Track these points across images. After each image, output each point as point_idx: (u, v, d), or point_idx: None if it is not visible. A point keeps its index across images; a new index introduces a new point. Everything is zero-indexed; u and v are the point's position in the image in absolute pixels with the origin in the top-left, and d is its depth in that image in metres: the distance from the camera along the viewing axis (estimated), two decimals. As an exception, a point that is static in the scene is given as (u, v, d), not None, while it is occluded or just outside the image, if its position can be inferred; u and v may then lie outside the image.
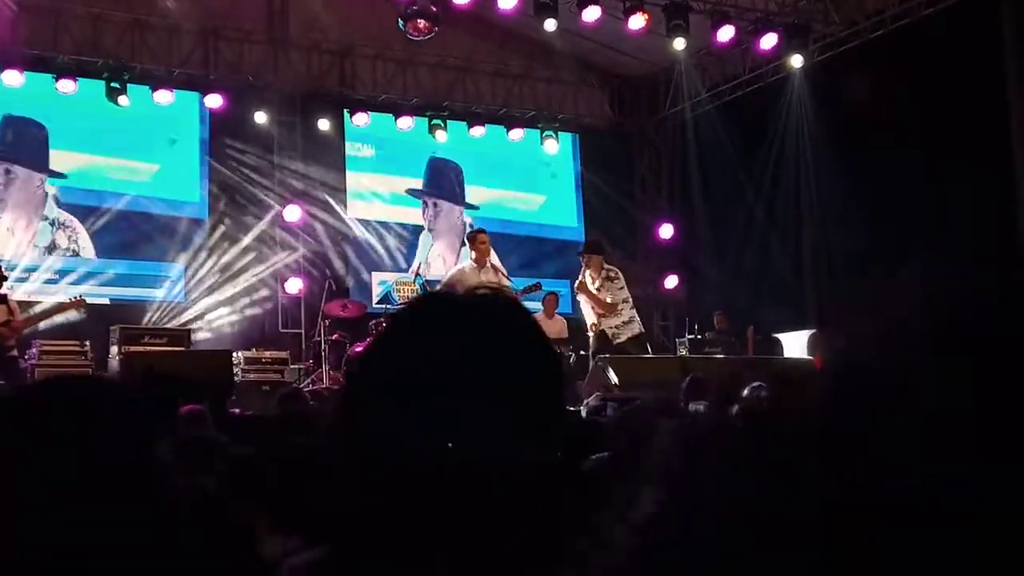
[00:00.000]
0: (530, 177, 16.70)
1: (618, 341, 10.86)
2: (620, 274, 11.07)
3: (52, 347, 11.38)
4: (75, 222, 13.74)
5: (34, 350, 11.14)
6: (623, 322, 10.98)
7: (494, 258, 11.68)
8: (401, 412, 1.09)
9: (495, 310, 1.22)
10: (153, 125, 14.14)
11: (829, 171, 13.71)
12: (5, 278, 11.17)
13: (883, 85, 12.08)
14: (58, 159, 13.73)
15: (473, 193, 16.22)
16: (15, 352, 10.59)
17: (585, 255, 11.18)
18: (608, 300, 10.85)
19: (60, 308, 11.88)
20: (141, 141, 14.12)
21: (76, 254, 13.67)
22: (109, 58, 13.58)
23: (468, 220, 15.80)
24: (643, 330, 11.33)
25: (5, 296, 10.89)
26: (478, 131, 15.80)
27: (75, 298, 12.01)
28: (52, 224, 13.66)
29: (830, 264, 13.72)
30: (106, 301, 13.31)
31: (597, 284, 10.90)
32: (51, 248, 13.57)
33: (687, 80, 15.61)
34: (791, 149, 14.45)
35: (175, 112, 14.16)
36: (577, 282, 11.14)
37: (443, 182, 16.15)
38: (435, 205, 16.08)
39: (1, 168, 13.46)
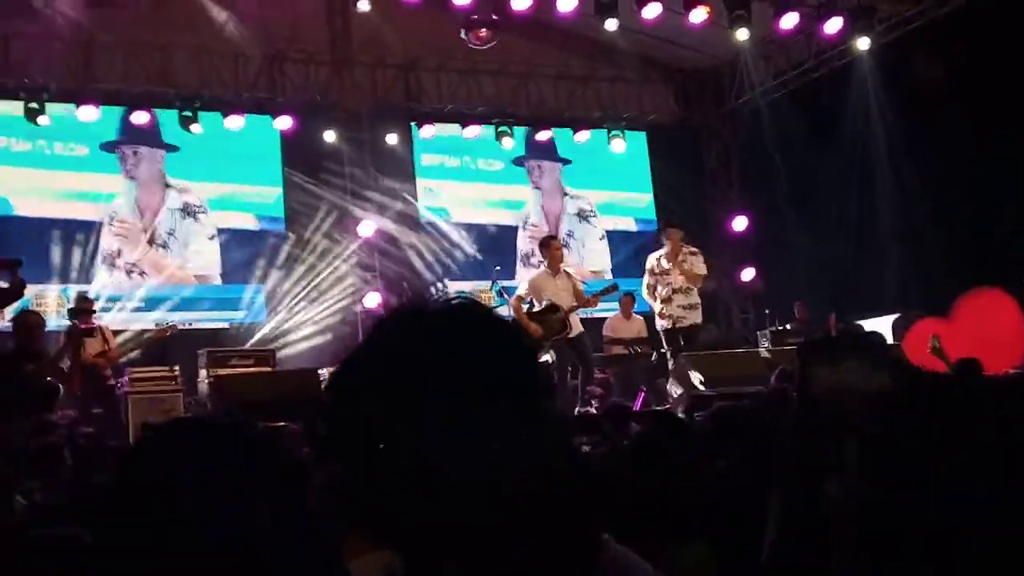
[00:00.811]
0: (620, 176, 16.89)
1: (680, 326, 10.78)
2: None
3: (143, 374, 11.61)
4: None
5: (125, 377, 11.36)
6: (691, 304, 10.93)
7: (568, 264, 11.68)
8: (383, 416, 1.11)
9: (464, 314, 1.23)
10: (238, 150, 14.53)
11: (902, 153, 13.51)
12: (94, 311, 11.47)
13: (952, 63, 11.88)
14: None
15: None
16: (112, 381, 10.85)
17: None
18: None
19: (154, 338, 12.21)
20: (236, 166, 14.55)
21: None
22: (179, 88, 13.85)
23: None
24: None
25: (99, 328, 11.18)
26: (544, 135, 15.93)
27: (168, 324, 12.33)
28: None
29: (910, 247, 13.51)
30: (190, 325, 13.57)
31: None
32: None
33: (752, 70, 15.48)
34: (862, 132, 14.24)
35: (254, 137, 14.49)
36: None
37: (540, 146, 16.48)
38: (539, 167, 16.54)
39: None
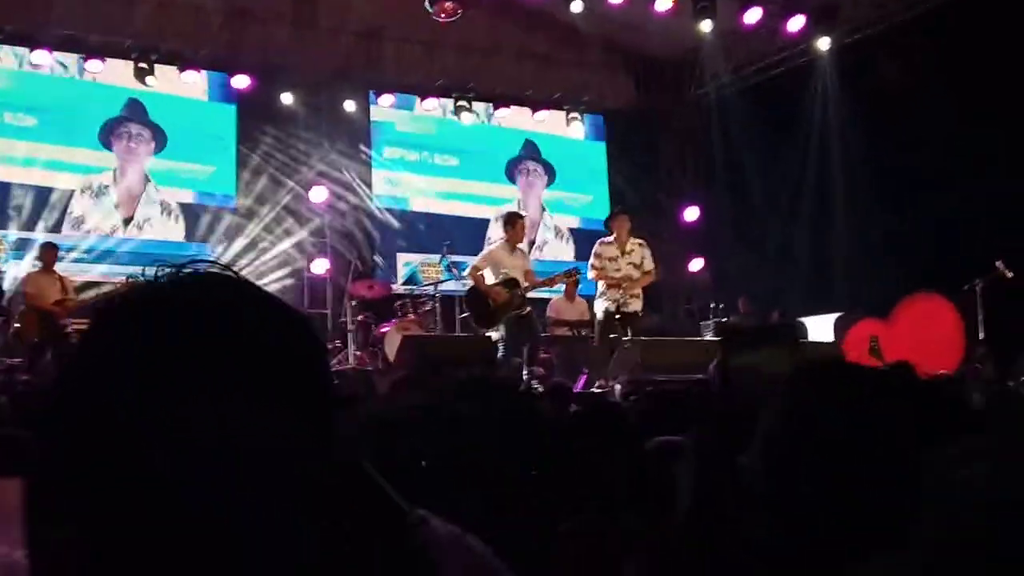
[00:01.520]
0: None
1: (624, 311, 10.78)
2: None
3: (84, 325, 11.48)
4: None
5: (69, 329, 11.21)
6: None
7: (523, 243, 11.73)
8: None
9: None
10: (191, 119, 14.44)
11: (856, 153, 13.68)
12: (60, 258, 11.36)
13: (911, 68, 12.03)
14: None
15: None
16: (69, 329, 10.74)
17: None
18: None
19: (114, 291, 12.06)
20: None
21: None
22: (138, 39, 13.65)
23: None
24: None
25: (58, 276, 11.08)
26: (503, 112, 15.93)
27: (128, 279, 12.16)
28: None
29: (859, 248, 13.69)
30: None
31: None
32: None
33: (713, 62, 15.56)
34: (818, 131, 14.40)
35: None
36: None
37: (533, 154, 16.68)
38: (528, 173, 16.69)
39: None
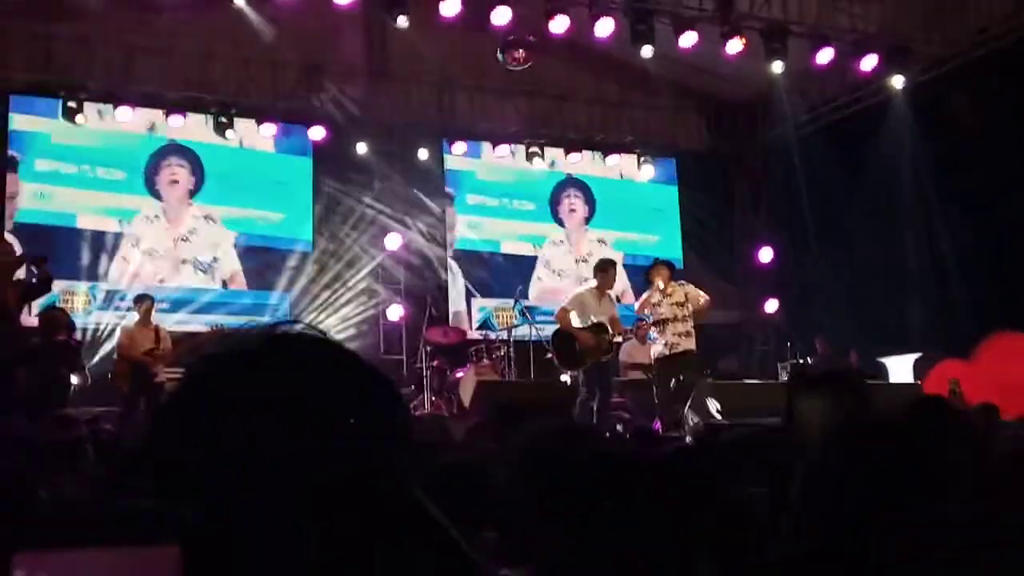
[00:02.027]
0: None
1: (675, 352, 10.75)
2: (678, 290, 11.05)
3: (173, 375, 11.72)
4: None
5: (161, 379, 11.42)
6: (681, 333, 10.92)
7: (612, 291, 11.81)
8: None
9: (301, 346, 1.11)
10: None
11: (933, 192, 13.49)
12: (152, 307, 11.67)
13: (988, 105, 11.87)
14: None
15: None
16: (160, 378, 10.97)
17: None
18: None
19: (202, 339, 12.39)
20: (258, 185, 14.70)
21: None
22: (216, 94, 14.01)
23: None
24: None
25: (154, 326, 11.36)
26: (575, 157, 16.00)
27: (216, 327, 12.55)
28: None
29: (936, 288, 13.46)
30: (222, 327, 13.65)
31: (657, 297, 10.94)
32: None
33: (786, 103, 15.47)
34: (893, 170, 14.20)
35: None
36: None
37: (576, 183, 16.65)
38: (572, 199, 16.62)
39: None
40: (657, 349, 10.94)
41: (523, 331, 13.07)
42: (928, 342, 13.08)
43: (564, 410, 9.98)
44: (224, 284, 14.31)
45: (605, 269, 11.14)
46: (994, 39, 13.03)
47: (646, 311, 11.03)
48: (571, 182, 16.44)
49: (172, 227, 14.13)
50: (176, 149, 14.24)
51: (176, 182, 14.23)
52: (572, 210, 16.41)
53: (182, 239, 14.14)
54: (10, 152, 13.37)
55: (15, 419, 8.37)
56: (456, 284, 15.44)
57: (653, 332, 11.04)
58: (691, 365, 10.84)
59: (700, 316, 10.98)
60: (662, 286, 10.85)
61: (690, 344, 10.83)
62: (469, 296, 15.39)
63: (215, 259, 14.30)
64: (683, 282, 11.16)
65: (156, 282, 13.68)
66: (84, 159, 13.75)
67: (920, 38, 13.86)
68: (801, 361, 13.73)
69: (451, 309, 15.21)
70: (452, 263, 15.48)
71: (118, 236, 13.77)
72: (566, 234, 16.32)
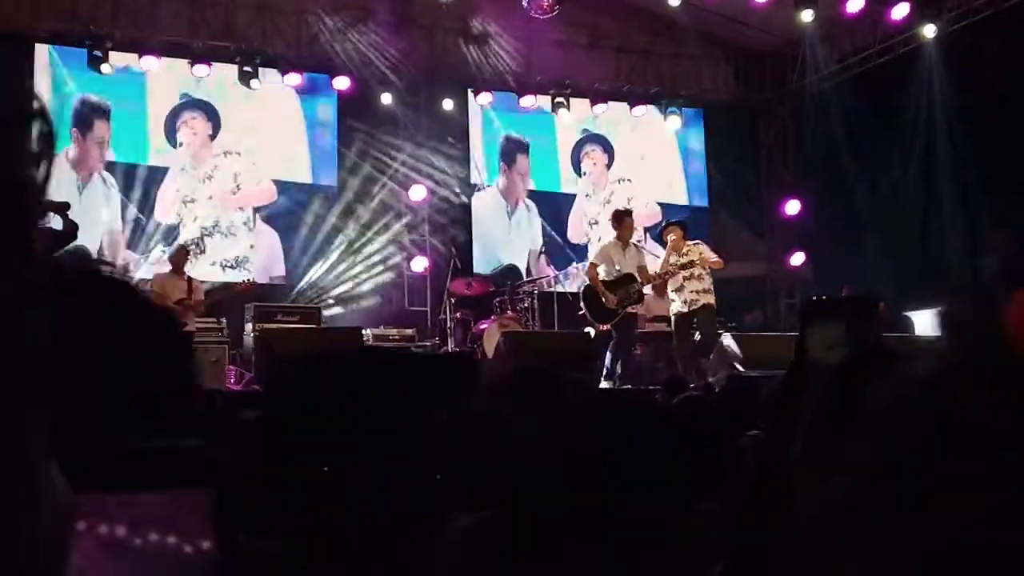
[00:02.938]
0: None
1: (694, 308, 10.92)
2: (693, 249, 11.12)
3: (205, 325, 11.84)
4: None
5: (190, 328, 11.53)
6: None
7: (637, 237, 11.88)
8: None
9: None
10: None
11: (963, 144, 13.31)
12: (186, 257, 11.77)
13: (1020, 55, 11.67)
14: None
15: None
16: (190, 328, 11.07)
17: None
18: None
19: (233, 290, 12.47)
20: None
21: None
22: (242, 43, 13.96)
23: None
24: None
25: (187, 276, 11.46)
26: (600, 108, 15.86)
27: (247, 281, 12.66)
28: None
29: (968, 241, 13.31)
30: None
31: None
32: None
33: (815, 52, 15.27)
34: (923, 122, 14.01)
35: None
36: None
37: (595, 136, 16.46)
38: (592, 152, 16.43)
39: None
40: (676, 306, 11.04)
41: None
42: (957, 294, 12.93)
43: (587, 361, 10.04)
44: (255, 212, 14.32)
45: (620, 219, 11.25)
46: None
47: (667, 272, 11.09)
48: (591, 138, 16.27)
49: (197, 170, 14.13)
50: (194, 103, 14.20)
51: (195, 134, 14.21)
52: (594, 163, 16.27)
53: (207, 177, 14.16)
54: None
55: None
56: (533, 226, 15.55)
57: (671, 291, 11.08)
58: (709, 319, 10.94)
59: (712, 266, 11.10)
60: (676, 248, 10.93)
61: (709, 299, 10.95)
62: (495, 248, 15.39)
63: (238, 187, 14.31)
64: (697, 241, 11.31)
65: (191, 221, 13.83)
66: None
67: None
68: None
69: (534, 249, 15.30)
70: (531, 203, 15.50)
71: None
72: (592, 185, 16.20)
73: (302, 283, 14.27)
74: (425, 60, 14.81)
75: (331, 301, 14.25)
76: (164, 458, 1.13)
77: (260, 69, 14.09)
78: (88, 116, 13.60)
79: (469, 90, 15.32)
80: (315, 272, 14.39)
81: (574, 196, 15.97)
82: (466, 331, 13.01)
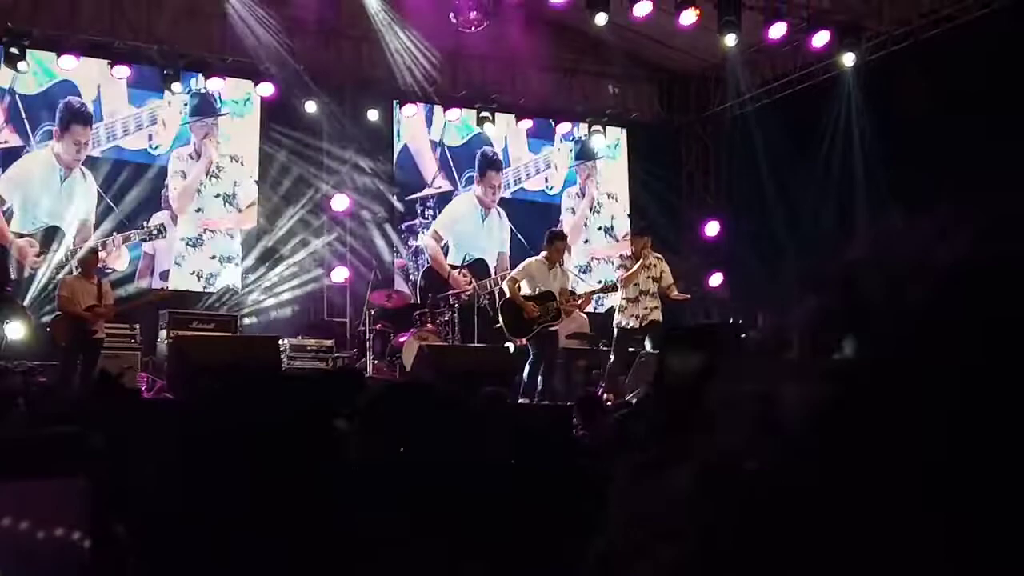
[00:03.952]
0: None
1: (645, 323, 11.08)
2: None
3: (114, 332, 11.59)
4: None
5: (99, 335, 11.27)
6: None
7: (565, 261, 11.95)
8: None
9: None
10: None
11: (880, 171, 13.59)
12: (97, 259, 11.47)
13: (936, 86, 11.95)
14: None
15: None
16: (99, 335, 10.82)
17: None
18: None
19: (148, 297, 12.23)
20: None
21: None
22: (163, 44, 13.72)
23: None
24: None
25: (98, 281, 11.17)
26: (525, 124, 15.91)
27: (162, 288, 12.43)
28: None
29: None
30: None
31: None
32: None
33: (737, 77, 15.50)
34: (841, 148, 14.31)
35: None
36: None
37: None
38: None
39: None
40: (622, 321, 11.15)
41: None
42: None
43: (504, 375, 10.02)
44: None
45: (553, 241, 11.27)
46: (945, 20, 13.12)
47: (629, 285, 11.20)
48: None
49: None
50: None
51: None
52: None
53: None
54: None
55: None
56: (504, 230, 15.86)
57: (620, 301, 11.19)
58: (657, 335, 11.06)
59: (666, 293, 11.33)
60: (646, 259, 11.19)
61: (659, 316, 11.09)
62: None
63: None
64: (660, 256, 11.50)
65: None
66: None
67: (872, 16, 13.94)
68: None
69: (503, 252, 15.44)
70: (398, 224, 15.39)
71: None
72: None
73: (219, 291, 14.05)
74: (351, 70, 14.71)
75: (248, 310, 14.06)
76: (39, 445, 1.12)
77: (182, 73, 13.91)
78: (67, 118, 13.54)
79: (394, 101, 15.26)
80: (233, 280, 14.19)
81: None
82: (385, 343, 12.92)
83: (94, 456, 1.13)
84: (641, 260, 11.21)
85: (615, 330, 11.30)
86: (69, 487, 1.04)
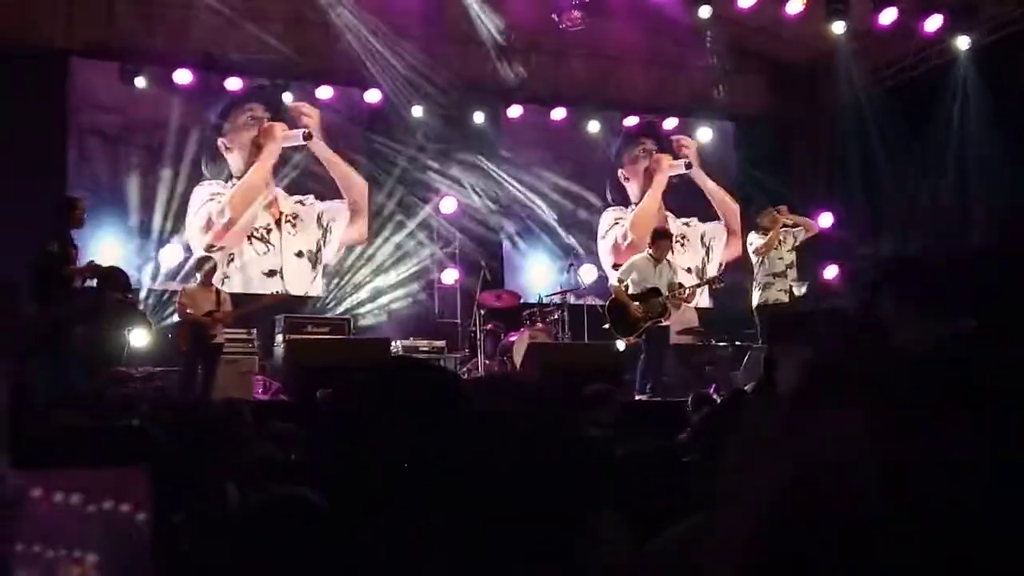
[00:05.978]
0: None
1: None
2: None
3: (233, 336, 11.88)
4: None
5: (219, 340, 11.54)
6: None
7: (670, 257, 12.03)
8: None
9: None
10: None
11: (998, 157, 13.16)
12: (214, 269, 11.77)
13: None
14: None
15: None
16: (219, 340, 11.12)
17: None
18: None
19: (263, 302, 12.55)
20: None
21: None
22: (275, 55, 14.01)
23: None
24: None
25: (215, 288, 11.50)
26: (630, 120, 15.83)
27: (278, 292, 12.76)
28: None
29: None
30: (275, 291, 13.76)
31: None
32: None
33: (847, 65, 15.16)
34: (956, 134, 13.89)
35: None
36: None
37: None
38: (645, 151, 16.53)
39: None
40: (771, 295, 11.42)
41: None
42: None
43: (612, 373, 10.03)
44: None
45: (658, 240, 11.29)
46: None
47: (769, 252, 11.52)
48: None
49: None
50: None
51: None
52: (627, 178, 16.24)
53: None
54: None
55: (71, 374, 8.57)
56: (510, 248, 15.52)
57: (760, 278, 11.49)
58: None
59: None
60: (776, 235, 11.58)
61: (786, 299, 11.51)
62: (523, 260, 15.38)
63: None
64: (793, 218, 12.08)
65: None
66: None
67: (987, -3, 13.53)
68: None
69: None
70: (507, 224, 15.43)
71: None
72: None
73: (333, 295, 14.33)
74: (456, 73, 14.81)
75: (362, 313, 14.29)
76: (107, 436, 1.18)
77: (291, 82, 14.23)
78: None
79: (500, 103, 15.32)
80: (347, 284, 14.45)
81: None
82: (496, 342, 13.02)
83: (157, 447, 1.21)
84: (773, 231, 11.28)
85: (756, 315, 11.33)
86: (133, 475, 1.12)
